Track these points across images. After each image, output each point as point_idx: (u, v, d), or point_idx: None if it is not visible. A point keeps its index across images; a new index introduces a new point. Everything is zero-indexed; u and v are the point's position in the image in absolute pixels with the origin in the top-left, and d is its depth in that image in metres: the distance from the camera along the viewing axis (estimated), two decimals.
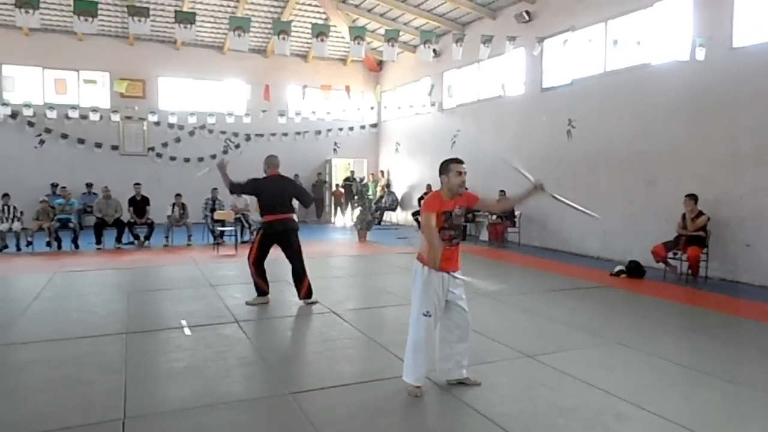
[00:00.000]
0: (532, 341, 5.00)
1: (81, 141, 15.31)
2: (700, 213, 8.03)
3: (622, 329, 5.47)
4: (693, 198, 8.07)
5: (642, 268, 8.44)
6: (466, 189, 3.89)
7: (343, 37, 15.82)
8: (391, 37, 8.84)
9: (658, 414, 3.47)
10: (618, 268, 8.58)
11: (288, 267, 6.57)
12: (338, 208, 18.23)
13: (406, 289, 7.21)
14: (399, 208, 17.65)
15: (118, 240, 11.43)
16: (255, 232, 6.48)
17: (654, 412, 3.49)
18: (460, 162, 3.86)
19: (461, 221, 3.96)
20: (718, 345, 5.06)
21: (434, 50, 14.28)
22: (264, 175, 6.48)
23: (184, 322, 5.58)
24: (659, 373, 4.29)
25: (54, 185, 14.10)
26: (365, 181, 16.28)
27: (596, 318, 5.99)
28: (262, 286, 6.46)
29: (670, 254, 8.26)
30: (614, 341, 5.05)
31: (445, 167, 3.86)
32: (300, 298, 6.51)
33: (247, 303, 6.39)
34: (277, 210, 6.33)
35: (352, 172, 17.83)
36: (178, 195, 12.28)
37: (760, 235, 7.75)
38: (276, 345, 5.07)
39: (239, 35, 7.95)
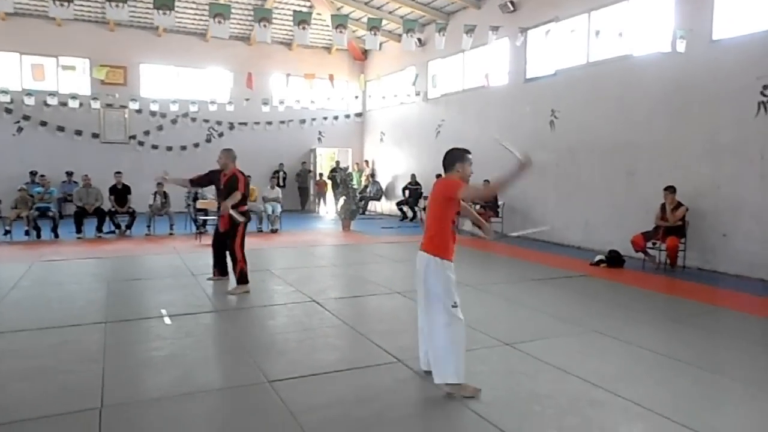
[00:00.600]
0: (511, 330, 5.06)
1: (60, 128, 15.05)
2: (679, 204, 8.14)
3: (600, 318, 5.55)
4: (672, 190, 8.18)
5: (622, 257, 8.56)
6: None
7: (327, 26, 15.69)
8: (374, 26, 8.77)
9: (634, 401, 3.53)
10: (598, 257, 8.69)
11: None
12: (321, 198, 18.16)
13: (389, 279, 7.29)
14: (383, 198, 17.66)
15: (99, 229, 11.29)
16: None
17: (629, 399, 3.55)
18: (470, 152, 3.85)
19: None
20: (696, 333, 5.15)
21: (418, 39, 14.28)
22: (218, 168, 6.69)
23: (164, 312, 5.55)
24: (636, 361, 4.36)
25: (33, 173, 13.84)
26: (349, 170, 16.23)
27: (575, 307, 6.06)
28: (246, 274, 6.48)
29: (649, 244, 8.38)
30: (592, 329, 5.12)
31: (462, 156, 3.75)
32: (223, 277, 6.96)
33: (229, 293, 6.36)
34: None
35: (338, 162, 17.77)
36: (159, 184, 12.12)
37: (737, 225, 7.88)
38: (256, 334, 5.06)
39: (219, 22, 7.84)
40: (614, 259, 8.49)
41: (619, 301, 6.48)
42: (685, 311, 6.03)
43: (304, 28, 8.30)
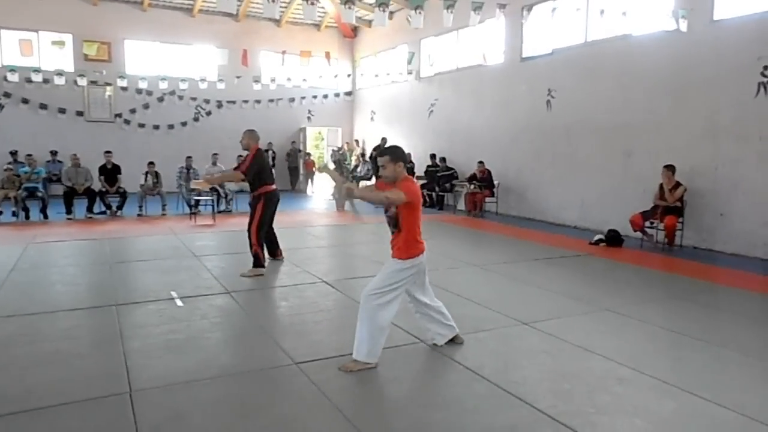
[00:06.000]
0: (525, 309, 5.09)
1: (43, 106, 14.62)
2: (678, 184, 8.23)
3: (608, 296, 5.61)
4: (671, 169, 8.26)
5: (620, 237, 8.65)
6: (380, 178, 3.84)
7: (317, 1, 15.40)
8: (382, 2, 8.57)
9: (659, 378, 3.58)
10: (597, 236, 8.77)
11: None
12: (310, 178, 17.96)
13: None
14: (374, 178, 17.56)
15: (90, 210, 11.08)
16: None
17: (654, 377, 3.60)
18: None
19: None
20: (702, 311, 5.25)
21: (409, 17, 14.03)
22: (246, 151, 6.58)
23: (174, 293, 5.47)
24: (651, 338, 4.43)
25: (13, 153, 13.37)
26: (343, 150, 16.07)
27: (582, 286, 6.12)
28: (261, 257, 6.45)
29: (647, 223, 8.48)
30: (604, 308, 5.18)
31: (404, 156, 3.83)
32: (278, 258, 7.07)
33: (243, 275, 6.27)
34: (273, 180, 6.68)
35: (339, 148, 16.90)
36: (150, 163, 11.91)
37: (734, 204, 8.01)
38: (272, 315, 5.02)
39: None
40: (613, 239, 8.58)
41: (623, 279, 6.56)
42: (688, 289, 6.12)
43: (312, 4, 8.07)
